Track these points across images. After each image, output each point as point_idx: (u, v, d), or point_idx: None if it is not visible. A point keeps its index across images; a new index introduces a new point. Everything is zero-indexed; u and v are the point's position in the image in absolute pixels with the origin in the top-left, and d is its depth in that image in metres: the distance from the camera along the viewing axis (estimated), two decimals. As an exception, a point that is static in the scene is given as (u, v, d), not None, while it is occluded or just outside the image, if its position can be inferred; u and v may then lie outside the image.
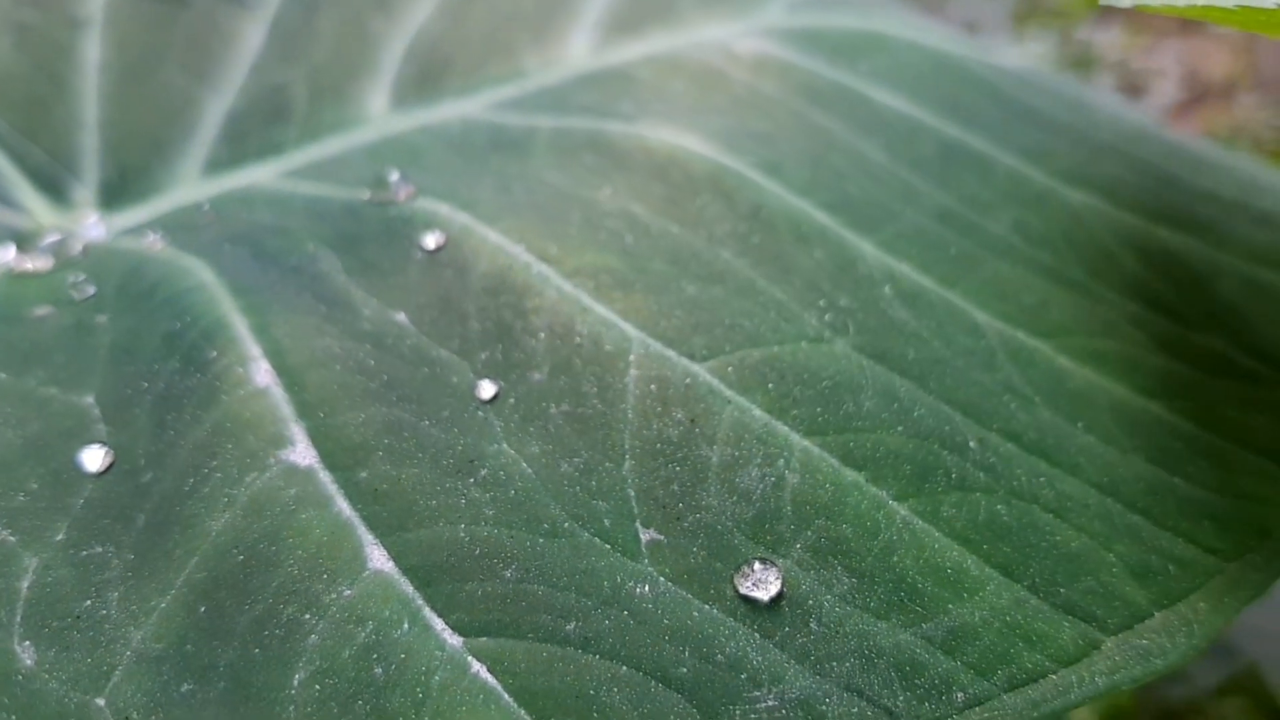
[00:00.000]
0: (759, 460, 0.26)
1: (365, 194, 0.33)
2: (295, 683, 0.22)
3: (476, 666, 0.22)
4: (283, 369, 0.27)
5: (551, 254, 0.30)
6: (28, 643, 0.23)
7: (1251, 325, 0.31)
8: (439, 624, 0.23)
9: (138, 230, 0.35)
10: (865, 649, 0.23)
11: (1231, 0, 0.24)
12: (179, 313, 0.30)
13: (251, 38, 0.40)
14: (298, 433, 0.26)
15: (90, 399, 0.28)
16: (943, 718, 0.22)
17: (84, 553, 0.25)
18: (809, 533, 0.25)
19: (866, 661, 0.23)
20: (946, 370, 0.28)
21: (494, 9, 0.40)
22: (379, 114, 0.38)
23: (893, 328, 0.29)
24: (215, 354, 0.28)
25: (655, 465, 0.26)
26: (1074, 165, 0.35)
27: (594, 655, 0.23)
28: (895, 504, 0.25)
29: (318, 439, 0.26)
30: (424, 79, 0.38)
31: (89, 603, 0.24)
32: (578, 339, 0.28)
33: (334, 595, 0.23)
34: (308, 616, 0.23)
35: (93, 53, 0.40)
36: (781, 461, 0.26)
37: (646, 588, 0.24)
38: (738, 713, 0.22)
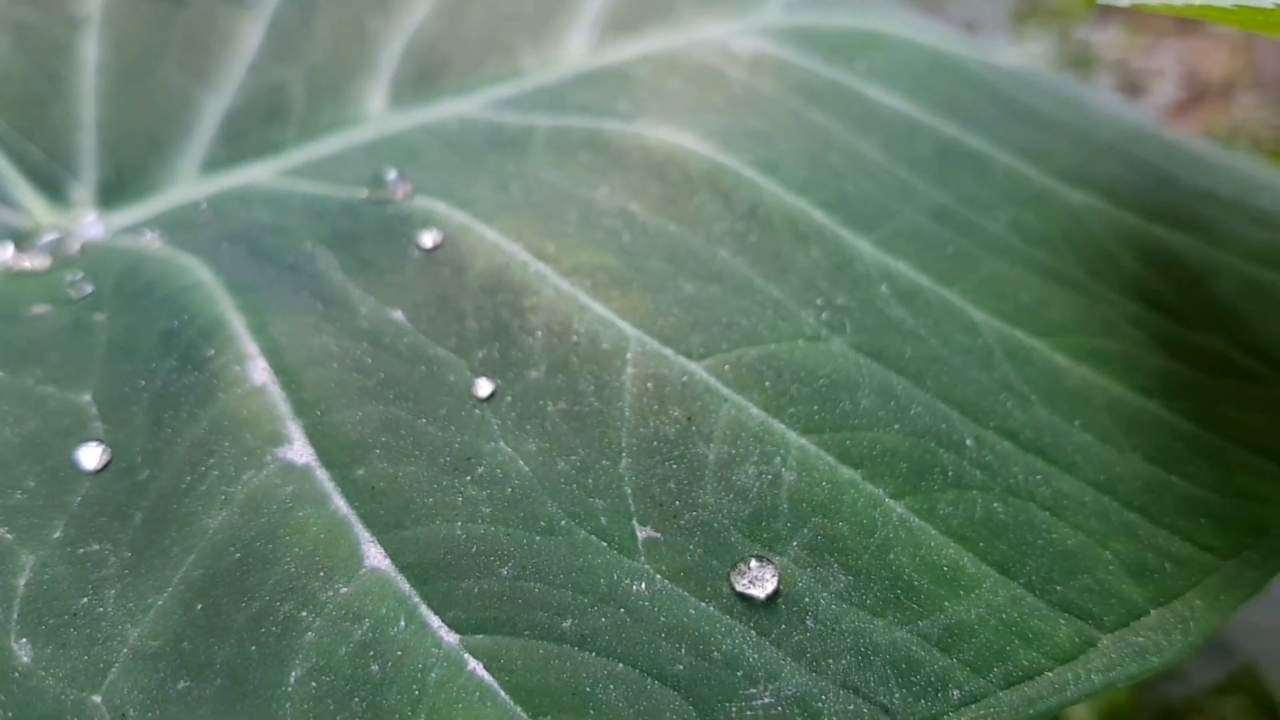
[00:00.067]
0: (756, 458, 0.26)
1: (363, 193, 0.33)
2: (292, 680, 0.22)
3: (473, 664, 0.22)
4: (280, 367, 0.27)
5: (549, 252, 0.30)
6: (24, 640, 0.23)
7: (1250, 324, 0.31)
8: (435, 621, 0.23)
9: (135, 229, 0.35)
10: (861, 646, 0.23)
11: (1230, 0, 0.24)
12: (176, 311, 0.30)
13: (249, 37, 0.40)
14: (295, 431, 0.26)
15: (87, 397, 0.28)
16: (938, 715, 0.22)
17: (81, 550, 0.25)
18: (805, 530, 0.25)
19: (862, 659, 0.23)
20: (943, 368, 0.28)
21: (492, 8, 0.40)
22: (377, 113, 0.38)
23: (890, 326, 0.29)
24: (212, 352, 0.28)
25: (652, 463, 0.26)
26: (1072, 164, 0.35)
27: (590, 652, 0.23)
28: (892, 502, 0.25)
29: (315, 437, 0.26)
30: (422, 78, 0.38)
31: (86, 600, 0.24)
32: (575, 337, 0.28)
33: (331, 593, 0.23)
34: (304, 614, 0.23)
35: (91, 52, 0.40)
36: (778, 459, 0.26)
37: (643, 585, 0.24)
38: (734, 710, 0.22)
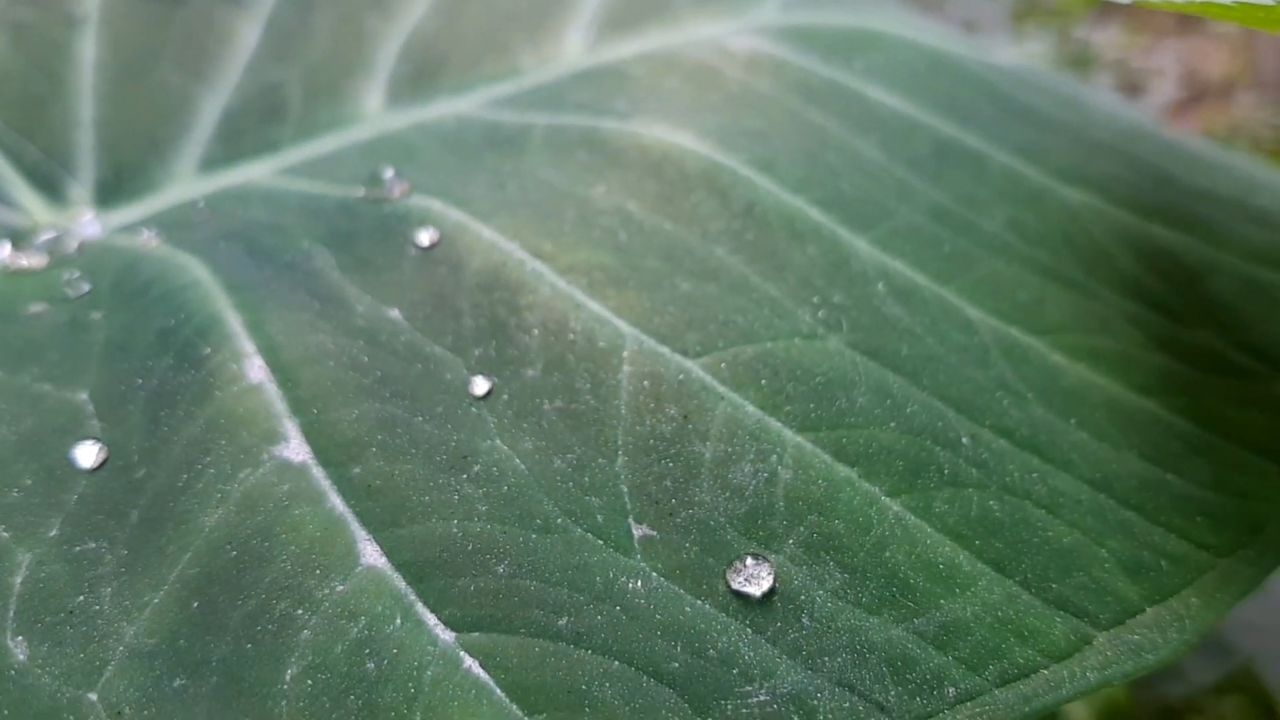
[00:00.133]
0: (752, 456, 0.26)
1: (360, 191, 0.33)
2: (287, 678, 0.22)
3: (469, 662, 0.22)
4: (276, 365, 0.27)
5: (545, 251, 0.30)
6: (20, 638, 0.23)
7: (1247, 323, 0.31)
8: (431, 619, 0.23)
9: (133, 228, 0.35)
10: (857, 644, 0.23)
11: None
12: (173, 309, 0.30)
13: (247, 36, 0.40)
14: (291, 429, 0.26)
15: (84, 395, 0.28)
16: (934, 713, 0.22)
17: (77, 548, 0.25)
18: (801, 528, 0.25)
19: (858, 656, 0.23)
20: (940, 367, 0.28)
21: (489, 7, 0.40)
22: (374, 112, 0.38)
23: (886, 324, 0.29)
24: (209, 350, 0.28)
25: (648, 461, 0.26)
26: (1070, 163, 0.35)
27: (586, 650, 0.23)
28: (888, 500, 0.25)
29: (311, 435, 0.26)
30: (419, 77, 0.38)
31: (82, 598, 0.24)
32: (571, 335, 0.28)
33: (326, 591, 0.23)
34: (300, 612, 0.23)
35: (89, 51, 0.40)
36: (774, 457, 0.26)
37: (639, 583, 0.24)
38: (729, 707, 0.22)
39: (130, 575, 0.24)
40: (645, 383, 0.27)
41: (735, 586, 0.24)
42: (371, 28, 0.40)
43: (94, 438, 0.27)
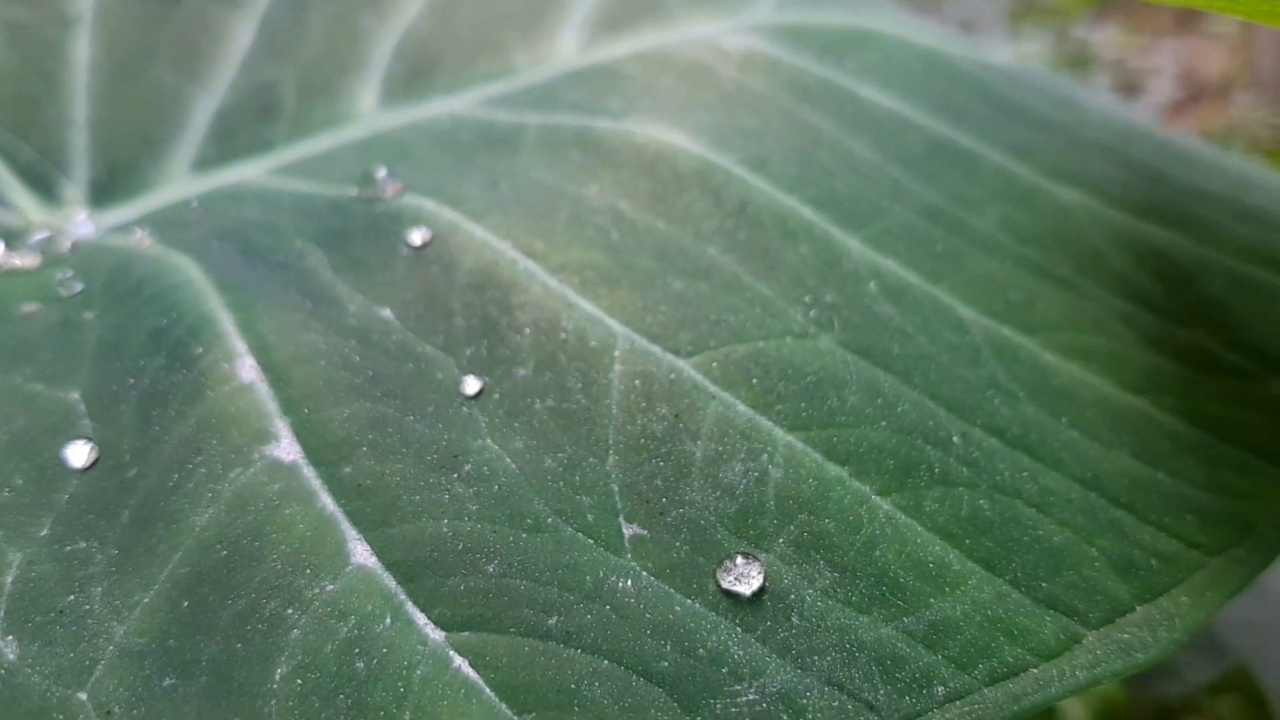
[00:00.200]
0: (743, 455, 0.26)
1: (353, 191, 0.33)
2: (277, 677, 0.22)
3: (458, 661, 0.23)
4: (268, 365, 0.27)
5: (538, 250, 0.30)
6: (10, 637, 0.23)
7: (1238, 321, 0.31)
8: (421, 619, 0.23)
9: (126, 228, 0.35)
10: (847, 643, 0.23)
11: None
12: (165, 309, 0.30)
13: (241, 35, 0.40)
14: (282, 428, 0.26)
15: (76, 395, 0.28)
16: (923, 711, 0.22)
17: (68, 548, 0.25)
18: (792, 527, 0.25)
19: (848, 655, 0.23)
20: (931, 366, 0.28)
21: (484, 6, 0.40)
22: (368, 111, 0.38)
23: (878, 323, 0.29)
24: (201, 350, 0.28)
25: (639, 460, 0.26)
26: (1063, 162, 0.35)
27: (576, 650, 0.23)
28: (878, 499, 0.25)
29: (302, 434, 0.26)
30: (413, 76, 0.38)
31: (72, 598, 0.24)
32: (563, 335, 0.28)
33: (317, 590, 0.23)
34: (290, 611, 0.23)
35: (83, 51, 0.40)
36: (765, 456, 0.26)
37: (629, 582, 0.24)
38: (718, 706, 0.22)
39: (121, 575, 0.24)
40: (637, 382, 0.27)
41: (725, 585, 0.24)
42: (366, 27, 0.40)
43: (85, 437, 0.27)
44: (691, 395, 0.27)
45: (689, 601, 0.24)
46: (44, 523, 0.25)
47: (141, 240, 0.34)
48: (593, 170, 0.33)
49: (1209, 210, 0.35)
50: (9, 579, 0.24)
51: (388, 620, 0.23)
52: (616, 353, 0.28)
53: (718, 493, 0.25)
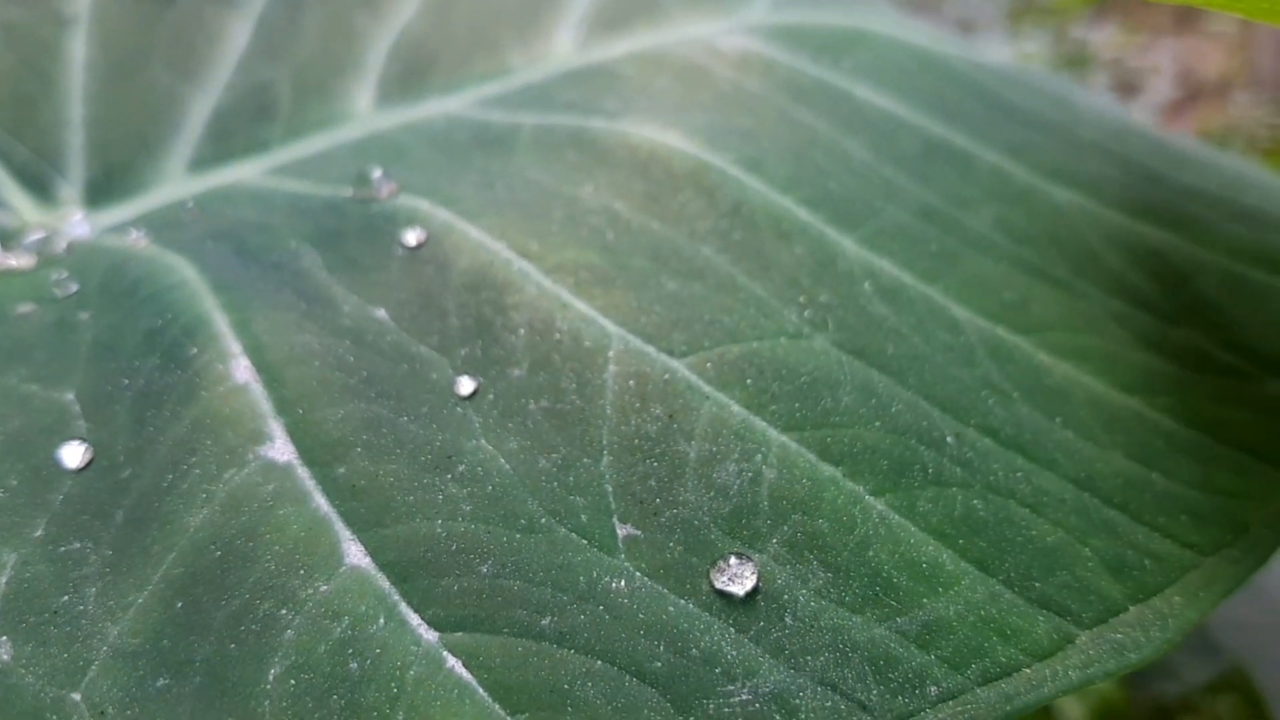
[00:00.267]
0: (736, 456, 0.26)
1: (348, 191, 0.33)
2: (271, 677, 0.22)
3: (452, 661, 0.23)
4: (262, 365, 0.27)
5: (532, 250, 0.30)
6: (4, 638, 0.23)
7: (1232, 321, 0.31)
8: (415, 619, 0.23)
9: (122, 228, 0.35)
10: (840, 643, 0.23)
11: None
12: (160, 310, 0.30)
13: (237, 35, 0.40)
14: (276, 429, 0.26)
15: (71, 395, 0.28)
16: (916, 711, 0.22)
17: (62, 549, 0.25)
18: (785, 528, 0.25)
19: (841, 655, 0.23)
20: (925, 366, 0.28)
21: (479, 6, 0.40)
22: (364, 111, 0.38)
23: (872, 324, 0.29)
24: (195, 350, 0.28)
25: (633, 461, 0.26)
26: (1057, 162, 0.35)
27: (569, 650, 0.23)
28: (872, 499, 0.25)
29: (296, 435, 0.26)
30: (409, 76, 0.38)
31: (66, 598, 0.24)
32: (557, 335, 0.28)
33: (310, 591, 0.23)
34: (284, 612, 0.23)
35: (79, 51, 0.40)
36: (759, 457, 0.26)
37: (623, 583, 0.24)
38: (711, 707, 0.22)
39: (115, 575, 0.24)
40: (631, 382, 0.27)
41: (719, 586, 0.24)
42: (361, 27, 0.40)
43: (80, 438, 0.27)
44: (686, 396, 0.27)
45: (682, 602, 0.24)
46: (38, 523, 0.25)
47: (137, 241, 0.34)
48: (588, 170, 0.33)
49: (1204, 210, 0.35)
50: (3, 580, 0.24)
51: (381, 621, 0.23)
52: (611, 353, 0.28)
53: (711, 493, 0.25)
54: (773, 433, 0.26)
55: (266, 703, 0.22)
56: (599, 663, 0.23)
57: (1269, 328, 0.31)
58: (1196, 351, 0.30)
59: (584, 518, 0.25)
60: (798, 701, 0.22)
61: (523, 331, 0.28)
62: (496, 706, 0.22)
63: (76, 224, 0.36)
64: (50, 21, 0.41)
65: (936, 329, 0.29)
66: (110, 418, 0.27)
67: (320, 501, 0.25)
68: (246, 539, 0.24)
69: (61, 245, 0.34)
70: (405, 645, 0.23)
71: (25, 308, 0.31)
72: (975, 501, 0.26)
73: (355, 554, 0.24)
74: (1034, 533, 0.25)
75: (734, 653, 0.23)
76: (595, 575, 0.24)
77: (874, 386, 0.27)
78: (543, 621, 0.23)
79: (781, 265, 0.30)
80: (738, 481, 0.25)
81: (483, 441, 0.26)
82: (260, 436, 0.26)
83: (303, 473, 0.25)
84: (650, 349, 0.28)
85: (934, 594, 0.24)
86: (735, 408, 0.27)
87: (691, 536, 0.25)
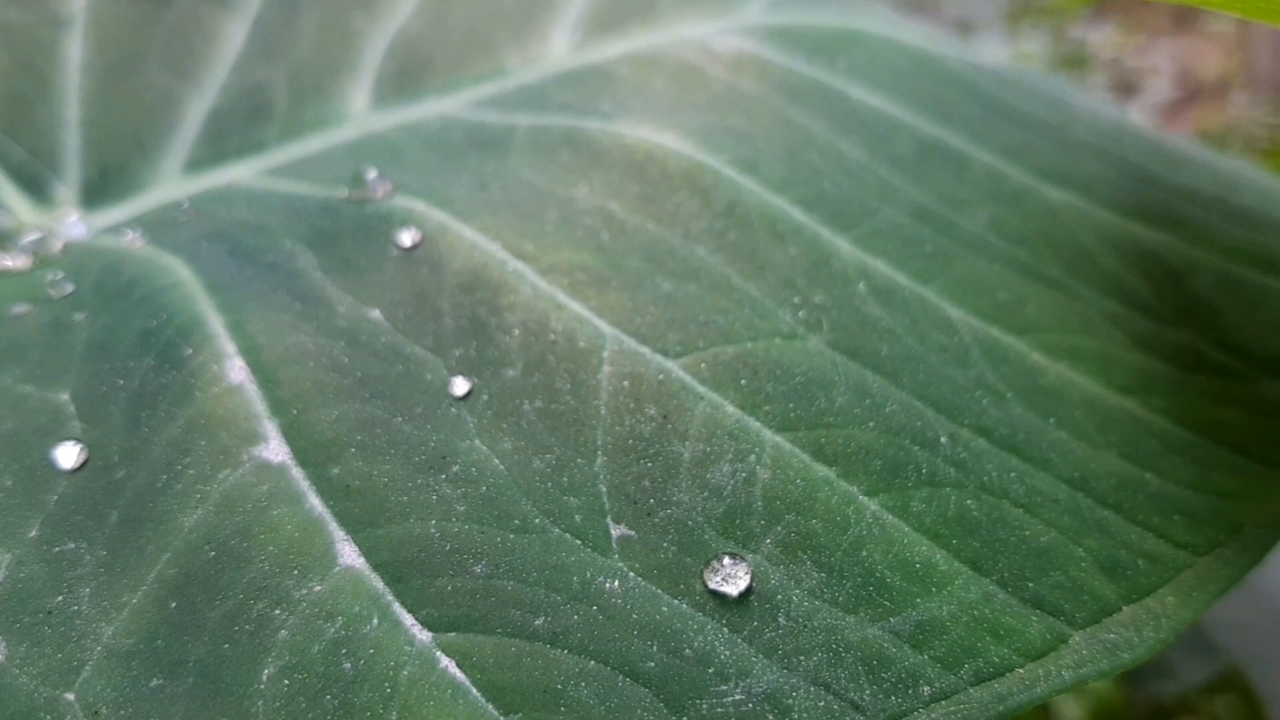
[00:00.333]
0: (730, 456, 0.26)
1: (343, 192, 0.33)
2: (264, 677, 0.22)
3: (445, 661, 0.23)
4: (257, 366, 0.27)
5: (527, 251, 0.30)
6: (-2, 638, 0.23)
7: (1227, 321, 0.31)
8: (408, 619, 0.23)
9: (117, 229, 0.35)
10: (833, 643, 0.23)
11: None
12: (155, 310, 0.30)
13: (233, 36, 0.40)
14: (270, 429, 0.26)
15: (65, 396, 0.28)
16: (909, 711, 0.22)
17: (56, 549, 0.25)
18: (779, 528, 0.25)
19: (834, 655, 0.23)
20: (919, 366, 0.28)
21: (475, 7, 0.40)
22: (359, 112, 0.38)
23: (866, 324, 0.29)
24: (190, 351, 0.28)
25: (627, 461, 0.26)
26: (1052, 162, 0.35)
27: (562, 650, 0.23)
28: (865, 499, 0.25)
29: (290, 435, 0.26)
30: (404, 77, 0.38)
31: (60, 598, 0.24)
32: (552, 336, 0.28)
33: (304, 591, 0.23)
34: (278, 612, 0.23)
35: (75, 52, 0.40)
36: (753, 457, 0.26)
37: (616, 583, 0.24)
38: (704, 707, 0.22)
39: (109, 576, 0.24)
40: (625, 383, 0.27)
41: (712, 586, 0.24)
42: (357, 27, 0.40)
43: (75, 438, 0.27)
44: (680, 396, 0.27)
45: (676, 602, 0.24)
46: (33, 524, 0.25)
47: (133, 241, 0.34)
48: (583, 171, 0.33)
49: (1199, 211, 0.35)
50: (-3, 580, 0.24)
51: (375, 621, 0.23)
52: (605, 354, 0.28)
53: (705, 493, 0.25)
54: (767, 433, 0.26)
55: (260, 703, 0.22)
56: (592, 663, 0.23)
57: (1264, 328, 0.31)
58: (1191, 352, 0.30)
59: (578, 518, 0.25)
60: (791, 701, 0.22)
61: (517, 332, 0.28)
62: (490, 706, 0.22)
63: (72, 225, 0.36)
64: (46, 22, 0.41)
65: (931, 329, 0.29)
66: (105, 418, 0.27)
67: (314, 502, 0.25)
68: (240, 539, 0.24)
69: (57, 246, 0.34)
70: (399, 645, 0.23)
71: (21, 308, 0.31)
72: (969, 502, 0.26)
73: (349, 554, 0.24)
74: (1027, 533, 0.25)
75: (727, 653, 0.23)
76: (589, 575, 0.24)
77: (868, 387, 0.27)
78: (536, 622, 0.23)
79: (776, 266, 0.30)
80: (732, 482, 0.26)
81: (477, 442, 0.26)
82: (255, 437, 0.26)
83: (297, 473, 0.25)
84: (645, 349, 0.28)
85: (927, 594, 0.24)
86: (729, 408, 0.27)
87: (685, 537, 0.25)
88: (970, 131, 0.36)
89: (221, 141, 0.38)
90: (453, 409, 0.27)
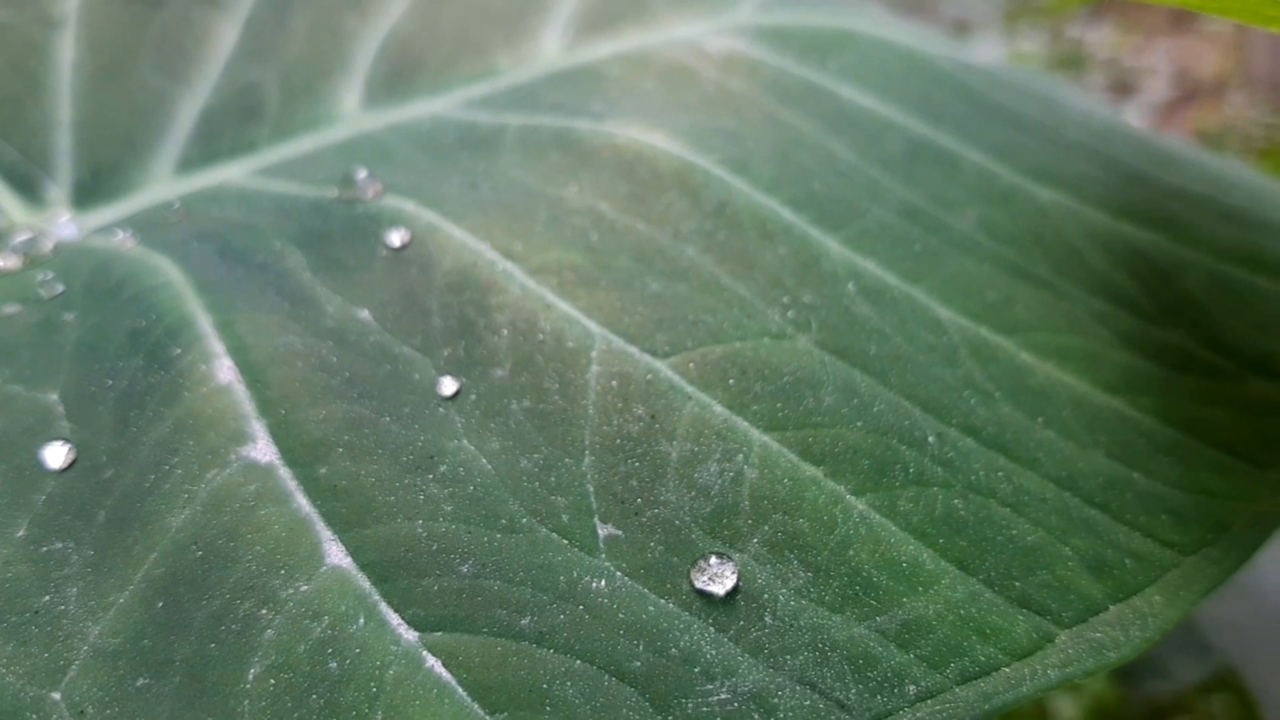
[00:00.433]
0: (718, 456, 0.26)
1: (333, 192, 0.33)
2: (250, 677, 0.22)
3: (431, 661, 0.23)
4: (245, 366, 0.27)
5: (516, 251, 0.30)
6: (-15, 638, 0.23)
7: (1215, 320, 0.31)
8: (395, 619, 0.23)
9: (108, 229, 0.35)
10: (819, 642, 0.23)
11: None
12: (145, 310, 0.30)
13: (225, 36, 0.40)
14: (258, 429, 0.26)
15: (54, 396, 0.28)
16: (895, 710, 0.22)
17: (44, 549, 0.25)
18: (766, 527, 0.25)
19: (820, 655, 0.23)
20: (908, 366, 0.28)
21: (467, 8, 0.40)
22: (351, 112, 0.38)
23: (855, 324, 0.29)
24: (179, 351, 0.28)
25: (615, 461, 0.26)
26: (1042, 162, 0.35)
27: (549, 650, 0.23)
28: (853, 499, 0.25)
29: (278, 435, 0.26)
30: (396, 77, 0.38)
31: (48, 598, 0.24)
32: (540, 336, 0.28)
33: (291, 591, 0.24)
34: (264, 612, 0.23)
35: (67, 52, 0.40)
36: (740, 457, 0.26)
37: (603, 582, 0.24)
38: (690, 706, 0.22)
39: (96, 575, 0.24)
40: (613, 383, 0.27)
41: (699, 585, 0.24)
42: (349, 28, 0.40)
43: (63, 438, 0.27)
44: (668, 396, 0.27)
45: (662, 601, 0.24)
46: (20, 523, 0.25)
47: (123, 241, 0.34)
48: (572, 171, 0.33)
49: (1188, 210, 0.35)
50: (-15, 580, 0.24)
51: (361, 621, 0.23)
52: (594, 353, 0.28)
53: (693, 493, 0.25)
54: (755, 433, 0.26)
55: (246, 702, 0.22)
56: (578, 662, 0.23)
57: (1253, 327, 0.31)
58: (1180, 351, 0.30)
59: (565, 518, 0.25)
60: (776, 700, 0.22)
61: (506, 332, 0.28)
62: (475, 706, 0.22)
63: (63, 225, 0.36)
64: (39, 23, 0.41)
65: (920, 329, 0.29)
66: (93, 418, 0.27)
67: (301, 502, 0.25)
68: (228, 539, 0.24)
69: (48, 246, 0.34)
70: (385, 645, 0.23)
71: (11, 309, 0.31)
72: (956, 501, 0.26)
73: (336, 554, 0.24)
74: (1014, 532, 0.25)
75: (713, 652, 0.23)
76: (576, 575, 0.24)
77: (856, 386, 0.28)
78: (522, 621, 0.23)
79: (765, 266, 0.30)
80: (719, 481, 0.26)
81: (464, 442, 0.26)
82: (242, 437, 0.26)
83: (284, 473, 0.25)
84: (633, 349, 0.28)
85: (914, 593, 0.24)
86: (717, 408, 0.27)
87: (672, 536, 0.25)
88: (961, 131, 0.36)
89: (213, 142, 0.38)
90: (441, 409, 0.27)
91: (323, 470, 0.25)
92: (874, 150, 0.34)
